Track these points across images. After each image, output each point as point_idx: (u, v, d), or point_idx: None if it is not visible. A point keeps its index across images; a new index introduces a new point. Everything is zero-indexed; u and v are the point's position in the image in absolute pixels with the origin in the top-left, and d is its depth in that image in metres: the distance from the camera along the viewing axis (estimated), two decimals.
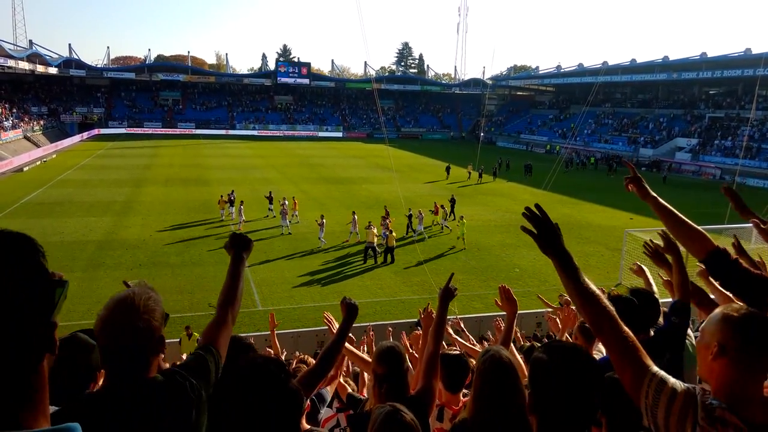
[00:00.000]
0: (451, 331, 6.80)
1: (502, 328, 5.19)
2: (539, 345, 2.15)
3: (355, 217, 26.04)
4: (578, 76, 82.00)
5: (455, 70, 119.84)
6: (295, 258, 23.48)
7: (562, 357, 1.96)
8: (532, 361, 2.03)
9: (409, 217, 27.36)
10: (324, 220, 24.97)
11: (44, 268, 1.11)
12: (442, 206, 29.50)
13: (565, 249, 2.16)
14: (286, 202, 28.64)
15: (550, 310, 9.58)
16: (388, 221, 24.27)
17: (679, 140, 62.96)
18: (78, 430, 1.07)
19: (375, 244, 23.03)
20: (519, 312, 16.53)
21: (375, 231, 23.25)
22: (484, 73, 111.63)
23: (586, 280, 2.06)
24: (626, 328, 1.94)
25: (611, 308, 1.97)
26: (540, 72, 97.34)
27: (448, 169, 48.85)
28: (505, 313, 4.44)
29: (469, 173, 47.79)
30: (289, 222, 27.24)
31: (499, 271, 22.22)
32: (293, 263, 22.71)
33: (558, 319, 7.93)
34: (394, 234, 23.33)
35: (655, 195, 2.93)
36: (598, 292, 2.00)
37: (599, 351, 4.67)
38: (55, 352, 1.11)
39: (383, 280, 20.86)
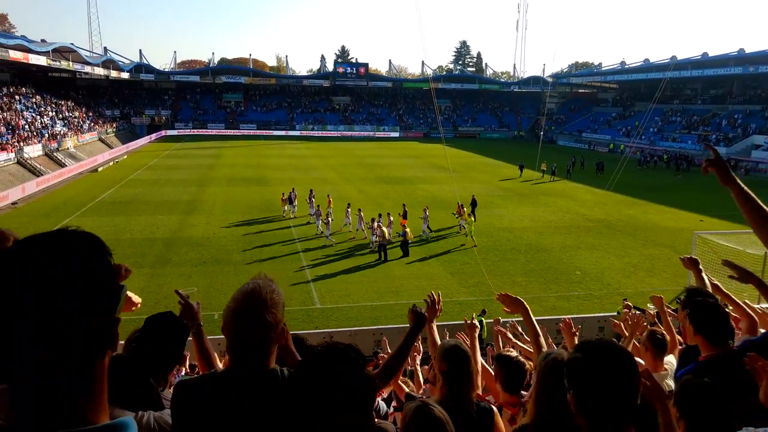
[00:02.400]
0: (510, 336, 6.68)
1: (569, 329, 5.03)
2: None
3: (362, 214, 26.57)
4: (644, 72, 78.78)
5: (514, 68, 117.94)
6: (352, 257, 23.69)
7: (598, 355, 1.91)
8: (568, 363, 1.97)
9: (425, 211, 27.35)
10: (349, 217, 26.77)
11: (112, 267, 1.14)
12: (463, 206, 28.82)
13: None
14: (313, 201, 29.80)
15: (615, 314, 9.24)
16: (379, 221, 24.58)
17: (756, 138, 59.32)
18: (133, 426, 1.11)
19: (385, 241, 23.22)
20: (581, 316, 16.15)
21: (384, 228, 23.31)
22: (544, 70, 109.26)
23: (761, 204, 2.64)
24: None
25: None
26: (603, 68, 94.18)
27: (521, 167, 48.31)
28: (521, 317, 4.29)
29: (543, 172, 47.19)
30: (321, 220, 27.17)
31: (559, 273, 21.65)
32: (349, 262, 22.92)
33: (624, 326, 7.54)
34: (408, 230, 24.08)
35: (738, 181, 2.79)
36: None
37: (669, 362, 4.44)
38: (116, 348, 1.14)
39: (439, 281, 20.73)
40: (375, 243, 23.85)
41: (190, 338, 3.10)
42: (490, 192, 39.51)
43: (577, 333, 5.00)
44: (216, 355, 3.27)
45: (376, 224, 24.15)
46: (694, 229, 24.64)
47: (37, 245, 1.08)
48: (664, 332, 4.67)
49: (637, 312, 6.28)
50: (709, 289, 4.36)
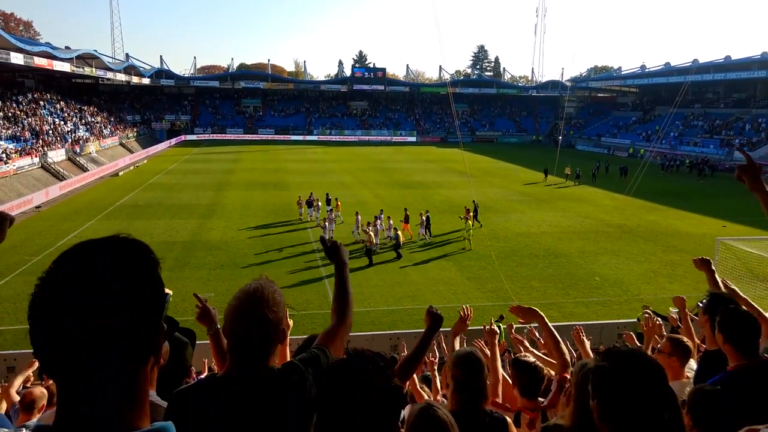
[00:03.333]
0: (527, 344, 6.62)
1: (582, 339, 4.97)
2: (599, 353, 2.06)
3: (359, 216, 26.86)
4: (665, 76, 77.83)
5: (532, 72, 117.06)
6: (365, 260, 23.68)
7: (625, 363, 1.89)
8: (593, 371, 1.94)
9: (427, 219, 27.27)
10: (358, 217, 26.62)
11: (160, 275, 1.16)
12: (470, 211, 28.67)
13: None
14: (319, 202, 30.40)
15: (635, 320, 9.10)
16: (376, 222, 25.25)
17: None
18: (172, 430, 1.12)
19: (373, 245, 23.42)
20: (600, 322, 15.95)
21: (371, 233, 23.46)
22: (562, 74, 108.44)
23: None
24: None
25: None
26: (623, 72, 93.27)
27: (546, 171, 48.15)
28: (537, 324, 4.24)
29: (566, 176, 47.37)
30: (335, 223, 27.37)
31: (578, 279, 21.42)
32: (367, 266, 22.90)
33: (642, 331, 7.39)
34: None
35: (766, 186, 2.75)
36: None
37: (691, 369, 4.35)
38: (159, 355, 1.16)
39: (457, 286, 20.64)
40: (376, 245, 24.22)
41: (206, 341, 3.12)
42: (508, 197, 39.29)
43: (587, 341, 4.92)
44: None
45: (371, 227, 24.36)
46: (717, 235, 24.23)
47: (91, 251, 1.10)
48: (686, 338, 4.58)
49: (658, 319, 6.17)
50: (723, 291, 4.29)
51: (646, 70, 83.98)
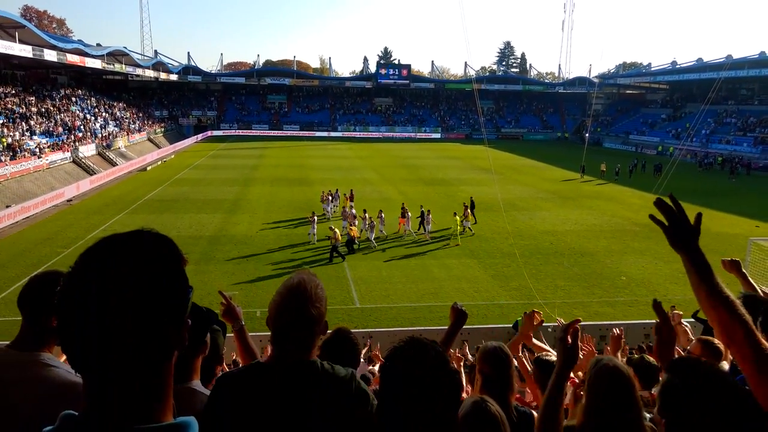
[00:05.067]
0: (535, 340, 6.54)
1: (618, 340, 4.90)
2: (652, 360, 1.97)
3: (353, 210, 27.45)
4: (697, 72, 75.99)
5: (559, 68, 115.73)
6: (393, 258, 23.71)
7: (697, 380, 1.75)
8: (663, 387, 1.83)
9: (422, 215, 27.45)
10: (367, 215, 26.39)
11: (184, 271, 1.18)
12: (468, 208, 28.49)
13: (698, 246, 1.99)
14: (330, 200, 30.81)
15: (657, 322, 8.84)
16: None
17: None
18: (194, 426, 1.14)
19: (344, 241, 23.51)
20: (626, 322, 15.62)
21: (338, 231, 23.34)
22: (590, 71, 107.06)
23: (720, 282, 1.86)
24: (763, 340, 1.72)
25: (747, 316, 1.76)
26: (652, 69, 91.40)
27: (583, 168, 47.78)
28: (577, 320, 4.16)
29: (602, 172, 47.62)
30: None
31: (603, 278, 21.12)
32: (390, 263, 22.94)
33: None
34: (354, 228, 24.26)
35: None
36: (732, 297, 1.82)
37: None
38: (183, 349, 1.17)
39: (480, 284, 20.53)
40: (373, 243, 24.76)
41: (230, 334, 3.16)
42: (533, 194, 38.89)
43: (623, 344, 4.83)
44: (259, 352, 3.32)
45: (355, 221, 25.40)
46: (749, 235, 23.63)
47: (116, 246, 1.11)
48: (716, 340, 4.48)
49: (687, 325, 6.04)
50: (761, 294, 4.14)
51: (677, 66, 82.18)
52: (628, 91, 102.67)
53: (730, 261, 4.27)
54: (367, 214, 26.20)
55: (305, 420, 1.96)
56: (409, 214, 27.22)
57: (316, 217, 25.91)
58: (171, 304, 1.11)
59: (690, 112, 75.00)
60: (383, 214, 26.87)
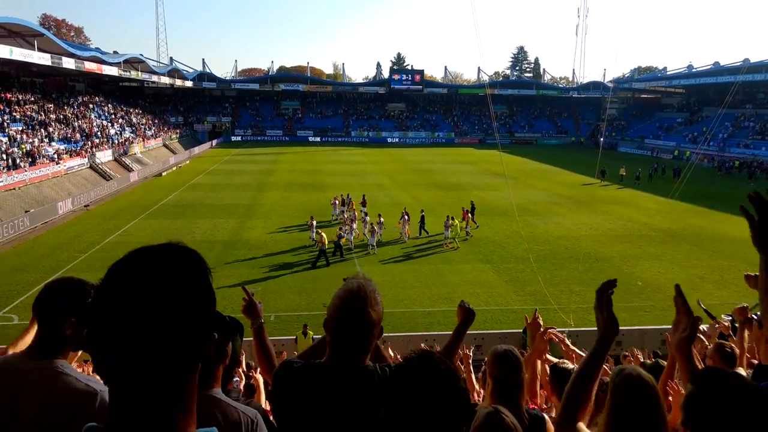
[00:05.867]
0: (568, 342, 6.49)
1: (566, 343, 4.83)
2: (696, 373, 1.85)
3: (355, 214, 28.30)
4: (713, 76, 75.17)
5: (573, 73, 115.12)
6: (405, 262, 23.70)
7: (724, 392, 1.69)
8: (687, 398, 1.79)
9: (422, 218, 27.81)
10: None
11: (211, 286, 1.18)
12: (468, 213, 28.56)
13: None
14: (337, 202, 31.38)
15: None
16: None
17: None
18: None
19: (326, 247, 23.26)
20: (642, 328, 15.42)
21: (324, 236, 23.36)
22: (604, 75, 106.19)
23: None
24: None
25: None
26: (668, 73, 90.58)
27: (603, 172, 47.74)
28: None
29: (622, 176, 47.66)
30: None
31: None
32: (404, 267, 22.92)
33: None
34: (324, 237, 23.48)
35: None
36: None
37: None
38: (206, 362, 1.18)
39: (494, 289, 20.43)
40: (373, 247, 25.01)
41: (249, 338, 3.17)
42: (547, 199, 38.67)
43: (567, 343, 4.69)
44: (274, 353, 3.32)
45: (352, 225, 26.09)
46: None
47: (146, 259, 1.12)
48: (733, 345, 4.42)
49: (702, 325, 5.96)
50: None
51: (694, 70, 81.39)
52: (643, 96, 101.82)
53: (754, 277, 4.14)
54: (368, 218, 26.47)
55: (357, 422, 2.03)
56: (406, 218, 27.26)
57: (315, 222, 26.18)
58: (199, 317, 1.12)
59: (707, 116, 74.17)
60: (382, 219, 26.98)
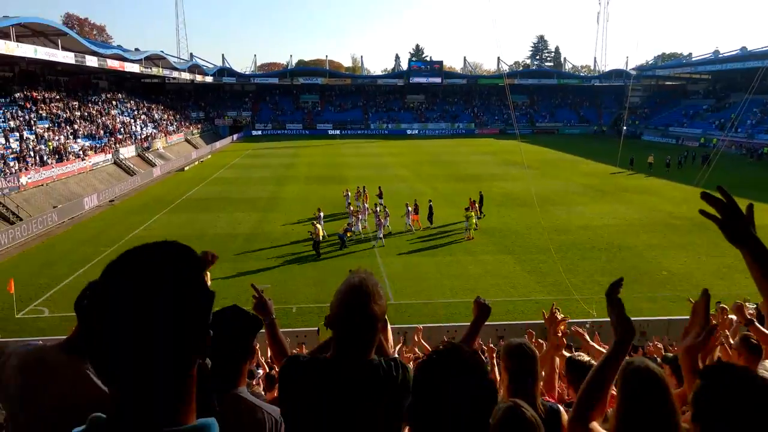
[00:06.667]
0: (587, 337, 6.43)
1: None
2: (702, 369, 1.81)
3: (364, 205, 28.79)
4: (741, 61, 73.26)
5: (594, 61, 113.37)
6: (425, 253, 23.67)
7: (734, 388, 1.66)
8: (697, 393, 1.76)
9: (430, 208, 27.74)
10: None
11: (205, 281, 1.19)
12: (476, 203, 28.31)
13: (758, 238, 1.88)
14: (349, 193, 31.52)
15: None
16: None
17: None
18: (215, 427, 1.18)
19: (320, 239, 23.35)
20: (667, 318, 15.17)
21: (320, 228, 23.62)
22: (627, 63, 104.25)
23: None
24: None
25: None
26: (693, 59, 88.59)
27: (631, 160, 47.79)
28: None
29: (650, 164, 47.36)
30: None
31: (643, 273, 20.61)
32: (425, 259, 22.90)
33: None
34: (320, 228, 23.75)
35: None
36: None
37: (766, 369, 4.10)
38: (206, 356, 1.20)
39: (516, 279, 20.31)
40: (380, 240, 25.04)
41: (262, 331, 3.19)
42: (569, 189, 38.24)
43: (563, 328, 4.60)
44: (289, 346, 3.35)
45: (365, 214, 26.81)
46: None
47: (141, 258, 1.13)
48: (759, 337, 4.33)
49: (732, 317, 5.84)
50: None
51: (720, 56, 79.48)
52: (667, 83, 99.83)
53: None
54: (378, 208, 26.77)
55: (361, 416, 2.05)
56: (409, 209, 27.35)
57: (322, 214, 26.58)
58: (196, 313, 1.14)
59: (734, 102, 72.42)
60: (388, 210, 27.05)
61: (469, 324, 3.41)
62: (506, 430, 2.05)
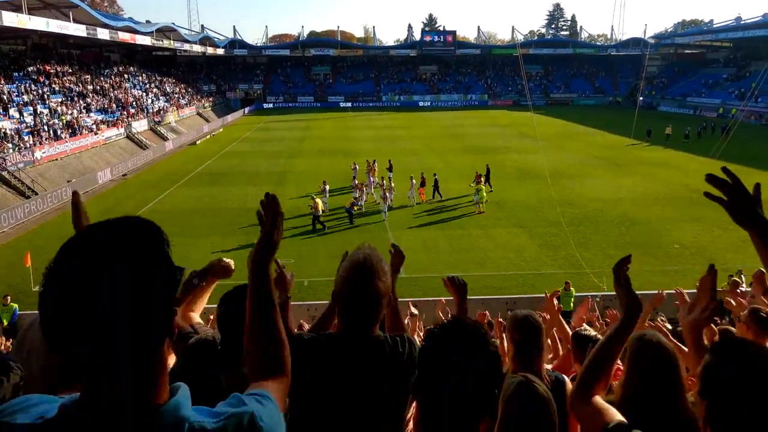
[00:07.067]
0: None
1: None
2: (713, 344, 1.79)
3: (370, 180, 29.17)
4: (764, 28, 71.15)
5: (612, 30, 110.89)
6: (436, 227, 23.66)
7: (743, 363, 1.63)
8: (705, 368, 1.74)
9: (435, 181, 27.78)
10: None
11: (170, 258, 1.15)
12: (482, 176, 27.84)
13: (765, 219, 1.86)
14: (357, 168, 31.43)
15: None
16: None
17: None
18: (184, 406, 1.15)
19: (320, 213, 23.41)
20: (671, 292, 15.02)
21: (320, 202, 23.64)
22: (645, 31, 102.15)
23: None
24: None
25: None
26: (714, 26, 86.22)
27: (649, 132, 47.28)
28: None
29: (668, 135, 46.66)
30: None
31: (656, 247, 20.45)
32: (435, 233, 22.89)
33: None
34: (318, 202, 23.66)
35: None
36: None
37: None
38: (174, 337, 1.18)
39: (527, 253, 20.27)
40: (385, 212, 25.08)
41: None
42: (583, 161, 37.82)
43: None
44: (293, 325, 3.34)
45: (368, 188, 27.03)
46: None
47: (98, 236, 1.10)
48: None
49: (742, 287, 5.80)
50: None
51: (742, 22, 77.22)
52: (686, 51, 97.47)
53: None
54: (384, 181, 26.92)
55: (367, 392, 2.08)
56: (413, 182, 27.28)
57: (327, 187, 26.64)
58: (158, 290, 1.10)
59: (755, 71, 70.57)
60: (393, 184, 27.14)
61: (477, 296, 3.41)
62: (519, 404, 2.05)
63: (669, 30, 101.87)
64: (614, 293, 3.64)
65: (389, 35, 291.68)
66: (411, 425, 2.37)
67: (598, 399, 1.92)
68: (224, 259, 3.20)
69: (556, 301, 4.84)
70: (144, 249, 1.10)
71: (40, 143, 33.66)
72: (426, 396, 1.78)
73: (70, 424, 1.08)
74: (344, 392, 2.08)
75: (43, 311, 1.06)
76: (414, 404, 2.16)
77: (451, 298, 3.41)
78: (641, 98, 59.89)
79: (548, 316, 4.67)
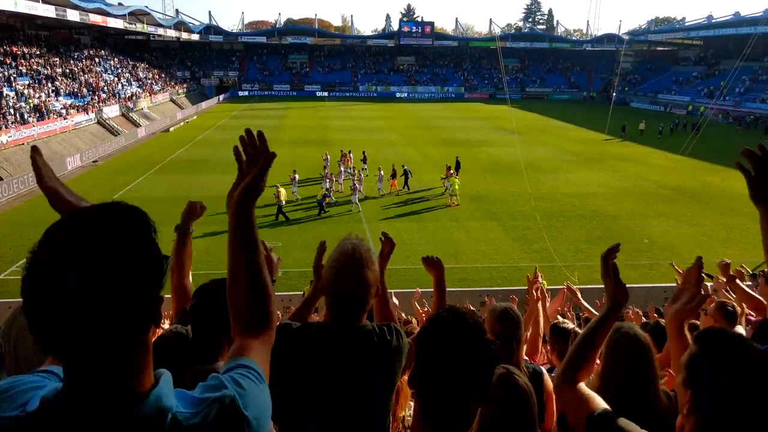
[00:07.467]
0: (579, 296, 6.58)
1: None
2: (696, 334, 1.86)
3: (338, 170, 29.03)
4: (733, 27, 72.72)
5: (587, 25, 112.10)
6: (410, 219, 23.76)
7: (727, 353, 1.69)
8: (690, 358, 1.81)
9: (406, 172, 27.97)
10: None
11: (156, 245, 1.14)
12: (451, 169, 28.07)
13: None
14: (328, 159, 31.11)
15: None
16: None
17: None
18: (167, 396, 1.14)
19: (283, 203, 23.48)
20: (646, 286, 15.46)
21: (283, 191, 23.65)
22: (620, 27, 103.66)
23: None
24: None
25: None
26: (686, 24, 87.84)
27: (623, 127, 47.96)
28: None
29: (641, 131, 47.85)
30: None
31: (626, 242, 20.83)
32: (410, 225, 22.99)
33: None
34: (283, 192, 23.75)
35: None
36: None
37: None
38: (159, 324, 1.17)
39: (500, 246, 20.51)
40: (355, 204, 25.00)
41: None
42: (557, 156, 38.32)
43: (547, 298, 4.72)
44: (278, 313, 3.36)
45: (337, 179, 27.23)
46: None
47: (83, 221, 1.08)
48: (734, 304, 4.46)
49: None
50: None
51: (713, 21, 78.84)
52: (659, 48, 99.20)
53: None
54: (356, 172, 27.18)
55: (354, 381, 2.10)
56: (382, 173, 27.31)
57: (297, 176, 26.55)
58: (143, 276, 1.09)
59: (724, 70, 72.28)
60: (363, 175, 27.35)
61: (455, 287, 3.46)
62: (500, 396, 2.11)
63: (642, 27, 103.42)
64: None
65: (367, 25, 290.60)
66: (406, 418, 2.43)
67: (583, 386, 1.99)
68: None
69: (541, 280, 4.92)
70: (131, 235, 1.09)
71: (6, 127, 32.71)
72: (425, 387, 1.80)
73: (50, 417, 1.07)
74: (333, 381, 2.09)
75: (26, 297, 1.05)
76: (413, 398, 2.21)
77: (429, 290, 3.46)
78: (615, 94, 60.79)
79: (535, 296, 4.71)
